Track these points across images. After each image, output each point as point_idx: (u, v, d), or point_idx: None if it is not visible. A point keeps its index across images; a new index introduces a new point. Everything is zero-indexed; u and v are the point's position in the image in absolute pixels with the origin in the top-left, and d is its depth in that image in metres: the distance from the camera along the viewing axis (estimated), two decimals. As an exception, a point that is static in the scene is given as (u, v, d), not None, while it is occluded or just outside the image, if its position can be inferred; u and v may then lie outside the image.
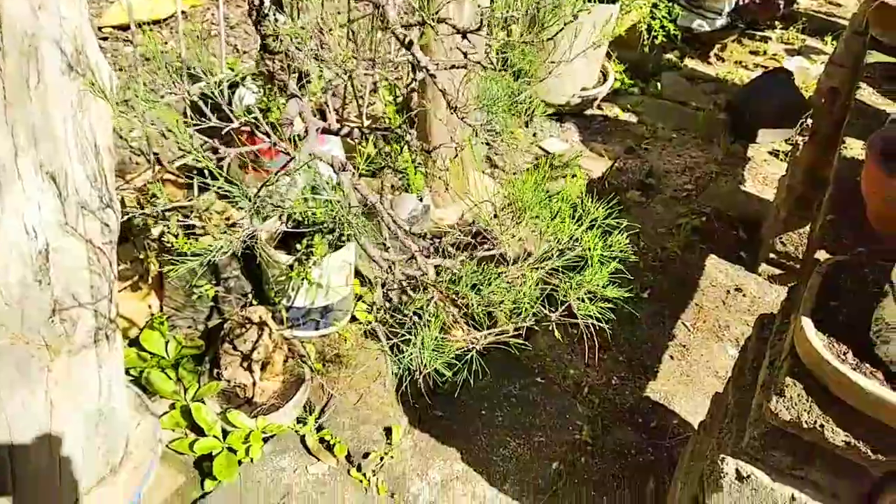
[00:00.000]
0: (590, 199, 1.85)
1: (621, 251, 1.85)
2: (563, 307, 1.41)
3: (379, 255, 1.40)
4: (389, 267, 1.37)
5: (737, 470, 1.84)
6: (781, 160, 4.80)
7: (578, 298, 1.43)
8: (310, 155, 1.45)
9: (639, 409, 3.07)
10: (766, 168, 4.74)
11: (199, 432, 2.71)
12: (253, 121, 1.35)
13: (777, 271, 3.79)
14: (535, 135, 4.91)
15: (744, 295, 3.69)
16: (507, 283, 1.29)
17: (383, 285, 1.41)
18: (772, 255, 3.76)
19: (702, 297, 3.67)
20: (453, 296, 1.28)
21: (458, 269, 1.29)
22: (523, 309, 1.31)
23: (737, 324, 3.52)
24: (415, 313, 1.32)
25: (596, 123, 5.11)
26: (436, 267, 1.35)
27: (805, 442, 1.74)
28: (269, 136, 1.36)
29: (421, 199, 3.12)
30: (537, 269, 1.35)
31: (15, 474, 2.00)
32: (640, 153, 4.83)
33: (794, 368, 1.66)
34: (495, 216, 1.48)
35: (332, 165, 1.52)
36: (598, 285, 1.40)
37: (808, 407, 1.61)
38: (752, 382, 2.08)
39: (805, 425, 1.62)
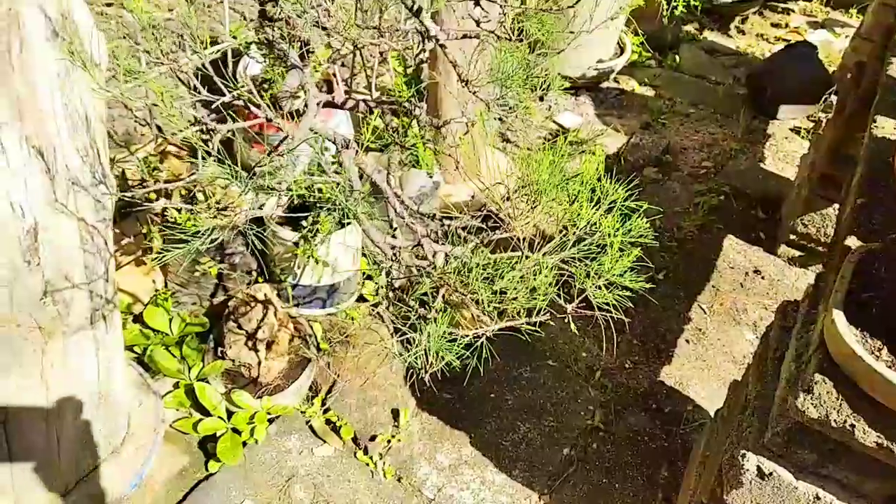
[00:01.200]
0: (606, 178, 1.75)
1: (641, 236, 1.75)
2: (580, 298, 1.32)
3: (383, 240, 1.31)
4: (394, 255, 1.28)
5: (758, 467, 1.76)
6: (803, 137, 4.65)
7: (595, 286, 1.34)
8: (310, 130, 1.36)
9: (652, 394, 2.99)
10: (787, 145, 4.59)
11: (204, 412, 2.66)
12: (247, 93, 1.25)
13: (797, 253, 3.68)
14: (549, 108, 4.78)
15: (762, 277, 3.58)
16: (521, 274, 1.20)
17: (388, 273, 1.32)
18: (792, 237, 3.64)
19: (719, 278, 3.56)
20: (462, 290, 1.20)
21: (468, 259, 1.21)
22: (537, 303, 1.22)
23: (754, 307, 3.42)
24: (421, 303, 1.24)
25: (612, 97, 4.96)
26: (445, 255, 1.26)
27: (831, 439, 1.65)
28: (262, 110, 1.26)
29: (431, 176, 3.02)
30: (552, 257, 1.26)
31: (12, 455, 1.95)
32: (657, 128, 4.69)
33: (823, 364, 1.57)
34: (508, 199, 1.38)
35: (334, 142, 1.43)
36: (617, 274, 1.30)
37: (837, 405, 1.53)
38: (774, 374, 1.99)
39: (834, 424, 1.53)
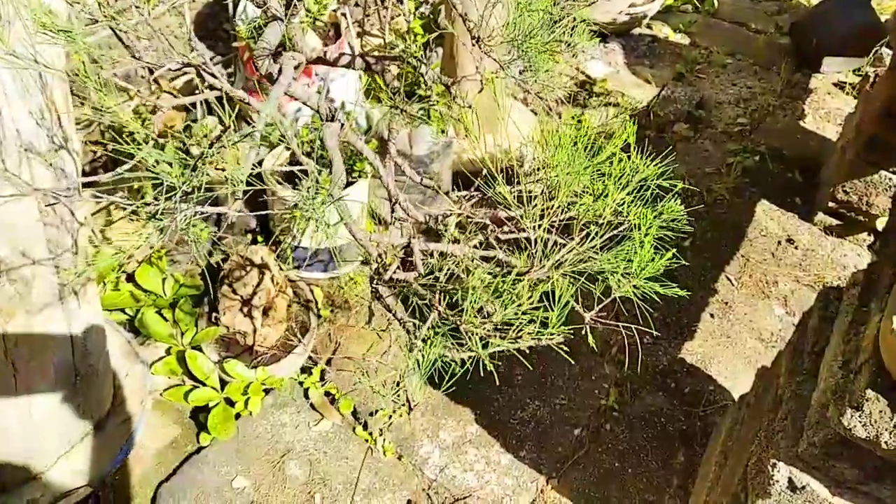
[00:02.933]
0: (634, 141, 1.54)
1: (674, 220, 1.55)
2: (600, 306, 1.13)
3: (367, 238, 1.12)
4: (380, 255, 1.09)
5: (790, 479, 1.59)
6: (848, 94, 4.32)
7: (620, 288, 1.15)
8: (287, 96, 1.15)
9: (672, 372, 2.81)
10: (829, 102, 4.27)
11: (197, 380, 2.53)
12: (199, 58, 1.04)
13: (835, 222, 3.43)
14: (575, 56, 4.47)
15: (796, 247, 3.35)
16: (526, 302, 1.01)
17: (375, 272, 1.13)
18: (831, 204, 3.38)
19: (749, 247, 3.33)
20: (454, 317, 1.02)
21: (462, 279, 1.02)
22: (549, 327, 1.03)
23: (786, 280, 3.20)
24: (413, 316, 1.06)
25: (643, 45, 4.63)
26: (439, 256, 1.07)
27: (876, 456, 1.47)
28: (219, 80, 1.06)
29: (444, 132, 2.80)
30: (566, 268, 1.07)
31: (-17, 436, 1.83)
32: (691, 80, 4.38)
33: (876, 378, 1.37)
34: (520, 197, 1.17)
35: (318, 111, 1.22)
36: (648, 278, 1.11)
37: (891, 427, 1.33)
38: (811, 372, 1.80)
39: (886, 446, 1.35)
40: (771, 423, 1.83)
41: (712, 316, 3.02)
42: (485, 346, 1.27)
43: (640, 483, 2.48)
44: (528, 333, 0.99)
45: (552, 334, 1.00)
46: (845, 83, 4.39)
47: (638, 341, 2.90)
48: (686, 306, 3.05)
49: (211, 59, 1.78)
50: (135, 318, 2.65)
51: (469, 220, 1.46)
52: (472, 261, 1.04)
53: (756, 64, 4.54)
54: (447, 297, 1.04)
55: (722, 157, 3.81)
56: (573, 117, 4.11)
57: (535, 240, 1.05)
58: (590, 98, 4.23)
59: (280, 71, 1.15)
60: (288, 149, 2.86)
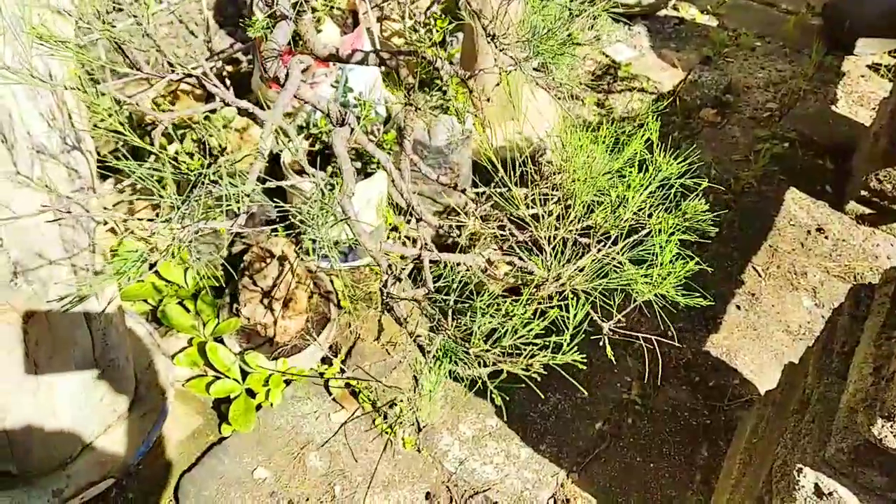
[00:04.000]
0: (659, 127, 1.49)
1: (698, 221, 1.51)
2: (620, 315, 1.10)
3: (377, 247, 1.09)
4: (390, 266, 1.07)
5: (816, 485, 1.55)
6: (883, 76, 4.18)
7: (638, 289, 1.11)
8: (297, 99, 1.13)
9: (696, 365, 2.77)
10: (863, 85, 4.13)
11: (218, 372, 2.54)
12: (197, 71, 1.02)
13: (867, 211, 3.33)
14: (598, 39, 4.38)
15: (826, 237, 3.26)
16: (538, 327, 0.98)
17: (381, 292, 1.11)
18: (863, 192, 3.29)
19: (777, 237, 3.26)
20: (460, 340, 0.99)
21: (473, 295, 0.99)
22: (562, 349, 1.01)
23: (815, 270, 3.12)
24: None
25: (669, 27, 4.53)
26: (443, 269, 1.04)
27: (907, 463, 1.42)
28: (221, 89, 1.03)
29: (463, 123, 2.76)
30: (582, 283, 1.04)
31: (8, 433, 1.85)
32: (719, 64, 4.27)
33: (908, 386, 1.32)
34: (535, 201, 1.14)
35: (328, 115, 1.20)
36: (672, 286, 1.07)
37: (922, 437, 1.29)
38: (840, 373, 1.75)
39: (916, 457, 1.30)
40: (797, 424, 1.79)
41: (738, 308, 2.96)
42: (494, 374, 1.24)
43: (662, 478, 2.45)
44: (540, 358, 0.96)
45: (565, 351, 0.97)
46: (880, 65, 4.25)
47: (661, 335, 2.86)
48: (712, 297, 2.98)
49: (231, 46, 1.76)
50: (157, 308, 2.66)
51: (486, 220, 1.43)
52: (484, 272, 1.01)
53: (786, 46, 4.42)
54: (456, 316, 1.01)
55: (750, 144, 3.72)
56: (597, 103, 4.04)
57: (552, 249, 1.01)
58: (614, 82, 4.15)
59: (287, 76, 1.13)
60: (307, 139, 2.85)
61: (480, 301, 0.94)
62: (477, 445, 2.49)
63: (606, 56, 4.29)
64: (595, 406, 2.62)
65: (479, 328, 0.96)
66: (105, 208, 2.80)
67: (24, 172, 1.33)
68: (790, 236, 3.26)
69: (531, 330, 0.96)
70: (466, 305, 0.99)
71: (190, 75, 1.06)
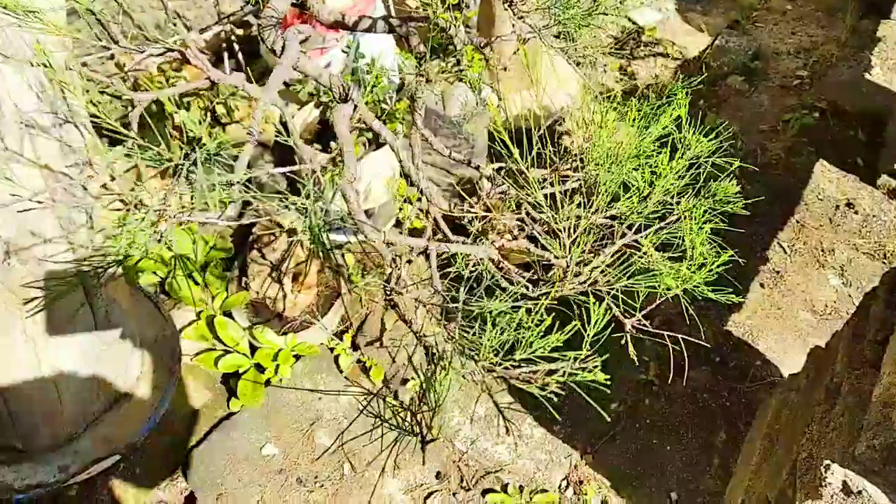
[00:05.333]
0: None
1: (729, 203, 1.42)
2: (642, 312, 1.02)
3: (380, 239, 1.02)
4: (394, 259, 0.99)
5: (845, 482, 1.47)
6: (921, 42, 3.98)
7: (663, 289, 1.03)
8: (301, 76, 1.04)
9: (716, 344, 2.68)
10: (900, 51, 3.95)
11: (227, 345, 2.50)
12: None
13: (901, 185, 3.19)
14: (622, 2, 4.20)
15: (855, 212, 3.13)
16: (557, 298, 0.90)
17: (385, 288, 1.04)
18: (896, 165, 3.15)
19: (805, 212, 3.13)
20: (470, 348, 0.92)
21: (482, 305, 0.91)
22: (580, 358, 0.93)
23: (843, 247, 3.00)
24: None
25: (696, -11, 4.34)
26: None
27: (943, 464, 1.35)
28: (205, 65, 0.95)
29: (480, 92, 2.64)
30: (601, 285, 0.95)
31: (9, 405, 1.82)
32: (747, 28, 4.09)
33: (951, 386, 1.24)
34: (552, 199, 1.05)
35: (329, 90, 1.11)
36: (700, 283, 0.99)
37: (965, 441, 1.20)
38: (872, 362, 1.66)
39: (956, 462, 1.22)
40: (825, 416, 1.71)
41: (762, 286, 2.86)
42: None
43: (678, 461, 2.39)
44: (557, 377, 0.89)
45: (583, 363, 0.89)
46: (918, 30, 4.05)
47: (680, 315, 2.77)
48: (734, 275, 2.89)
49: (241, 8, 1.67)
50: (165, 280, 2.61)
51: (501, 202, 1.35)
52: (492, 278, 0.94)
53: (818, 10, 4.22)
54: (466, 315, 0.94)
55: (778, 113, 3.57)
56: (620, 69, 3.89)
57: (571, 242, 0.93)
58: (637, 47, 3.99)
59: (284, 48, 1.04)
60: (318, 107, 2.75)
61: (492, 306, 0.87)
62: (489, 425, 2.44)
63: (629, 19, 4.13)
64: (611, 385, 2.55)
65: (488, 341, 0.89)
66: (112, 178, 2.73)
67: (14, 148, 1.26)
68: (818, 211, 3.14)
69: (547, 338, 0.88)
70: (477, 302, 0.92)
71: (171, 49, 0.97)
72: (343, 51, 2.79)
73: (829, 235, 3.05)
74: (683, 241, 1.34)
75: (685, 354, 2.65)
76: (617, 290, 1.00)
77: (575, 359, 0.96)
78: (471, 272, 0.96)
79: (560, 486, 2.31)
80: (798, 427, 1.86)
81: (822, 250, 2.99)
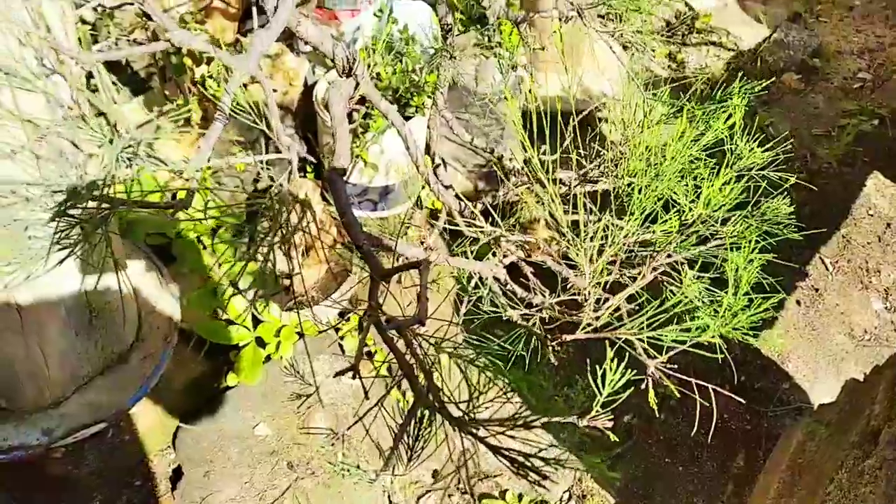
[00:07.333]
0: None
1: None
2: (668, 355, 0.88)
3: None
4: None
5: (876, 547, 1.33)
6: None
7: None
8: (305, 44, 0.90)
9: (743, 363, 2.52)
10: (973, 61, 3.68)
11: (229, 317, 2.40)
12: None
13: (960, 207, 2.97)
14: (677, -16, 3.97)
15: (908, 232, 2.93)
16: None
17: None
18: (958, 185, 2.93)
19: (852, 227, 2.93)
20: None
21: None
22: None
23: (891, 269, 2.81)
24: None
25: (759, -24, 4.08)
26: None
27: None
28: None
29: (514, 69, 2.48)
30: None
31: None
32: (809, 22, 3.84)
33: None
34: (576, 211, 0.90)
35: (333, 61, 0.97)
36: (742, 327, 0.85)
37: None
38: (920, 412, 1.50)
39: None
40: (857, 464, 1.55)
41: (798, 303, 2.69)
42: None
43: (690, 484, 2.26)
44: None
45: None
46: None
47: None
48: (769, 290, 2.72)
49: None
50: (170, 244, 2.52)
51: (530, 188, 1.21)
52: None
53: (889, 7, 3.94)
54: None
55: (834, 118, 3.35)
56: (668, 55, 3.68)
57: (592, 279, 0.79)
58: (689, 34, 3.77)
59: (276, 8, 0.89)
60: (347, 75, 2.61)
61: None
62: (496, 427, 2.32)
63: (686, 2, 3.89)
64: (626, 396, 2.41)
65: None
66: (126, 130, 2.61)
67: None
68: (866, 228, 2.94)
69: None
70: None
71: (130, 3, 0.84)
72: (376, 14, 2.63)
73: (876, 255, 2.85)
74: (722, 263, 1.20)
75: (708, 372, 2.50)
76: (643, 340, 0.86)
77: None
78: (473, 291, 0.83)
79: (562, 497, 2.20)
80: (826, 469, 1.71)
81: (867, 270, 2.80)
